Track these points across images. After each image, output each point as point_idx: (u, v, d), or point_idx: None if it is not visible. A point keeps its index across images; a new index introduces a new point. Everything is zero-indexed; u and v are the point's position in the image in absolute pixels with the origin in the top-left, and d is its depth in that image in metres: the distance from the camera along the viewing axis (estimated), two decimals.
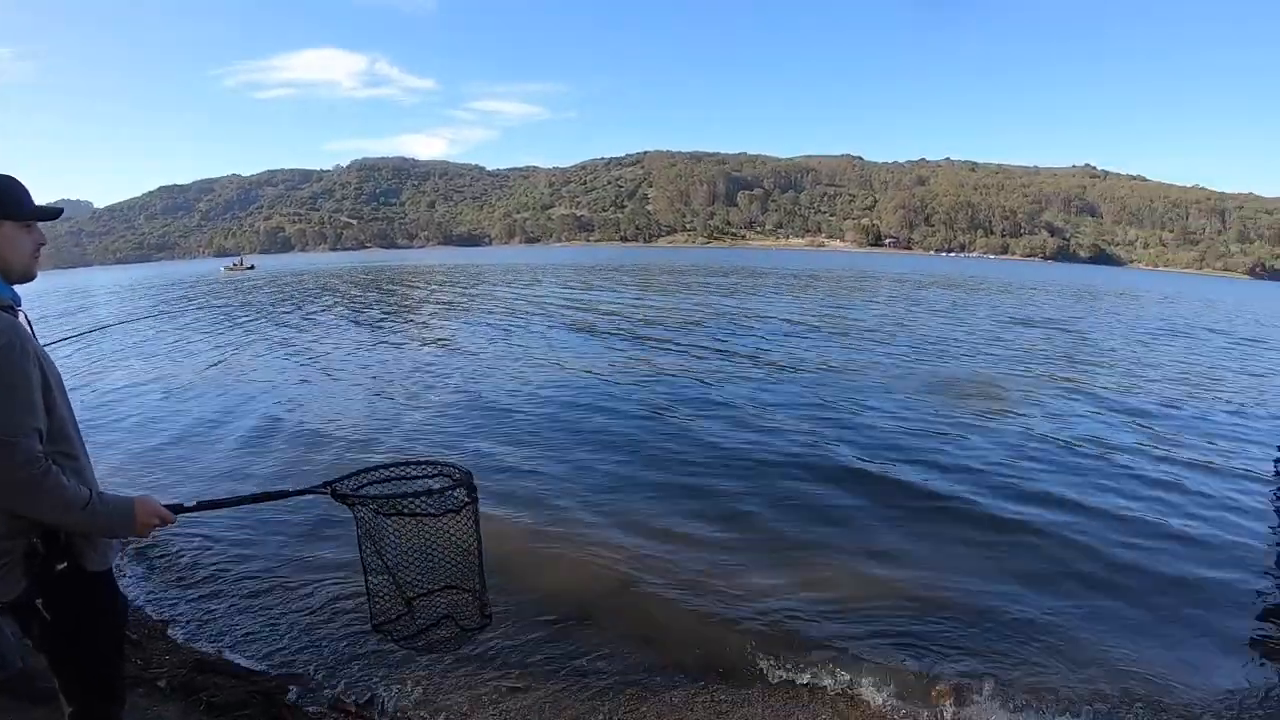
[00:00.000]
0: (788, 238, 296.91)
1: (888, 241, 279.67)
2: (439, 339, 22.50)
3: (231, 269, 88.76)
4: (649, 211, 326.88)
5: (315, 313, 31.95)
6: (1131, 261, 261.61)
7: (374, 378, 16.20)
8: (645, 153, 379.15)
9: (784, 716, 4.86)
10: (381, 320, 28.77)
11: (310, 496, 3.14)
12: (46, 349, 2.70)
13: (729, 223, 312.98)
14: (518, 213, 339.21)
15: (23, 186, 2.72)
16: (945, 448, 11.34)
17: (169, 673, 4.65)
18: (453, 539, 3.22)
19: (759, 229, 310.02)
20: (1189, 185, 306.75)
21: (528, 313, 30.03)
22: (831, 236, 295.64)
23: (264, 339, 23.33)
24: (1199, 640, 6.32)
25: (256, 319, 29.79)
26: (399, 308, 34.44)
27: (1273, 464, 11.86)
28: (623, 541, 7.61)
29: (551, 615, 5.94)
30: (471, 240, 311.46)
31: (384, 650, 5.21)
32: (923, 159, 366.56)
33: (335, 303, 37.10)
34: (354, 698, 4.66)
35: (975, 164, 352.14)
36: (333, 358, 19.16)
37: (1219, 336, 30.85)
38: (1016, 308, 40.42)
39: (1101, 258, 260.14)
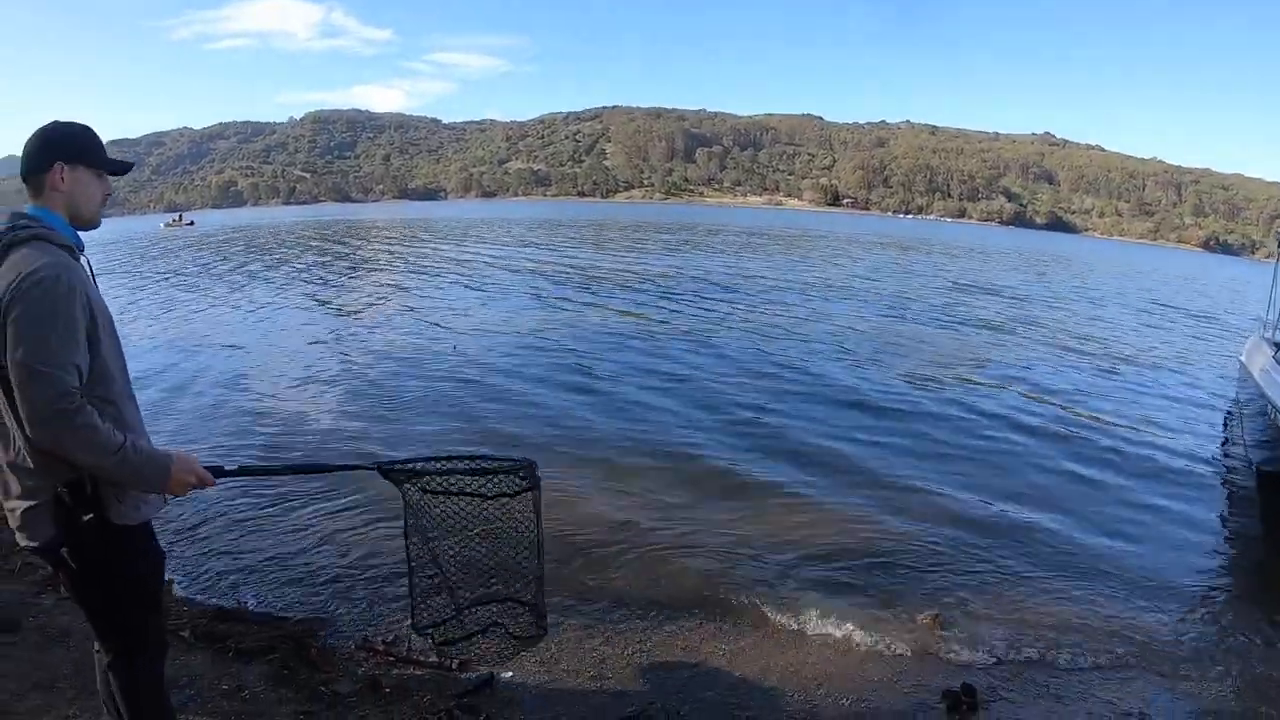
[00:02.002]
0: (746, 195, 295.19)
1: (846, 201, 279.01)
2: (386, 299, 22.44)
3: (171, 225, 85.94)
4: (607, 167, 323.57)
5: (258, 272, 30.80)
6: (1087, 230, 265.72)
7: (315, 343, 15.95)
8: (605, 108, 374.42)
9: (778, 652, 5.10)
10: (326, 282, 27.89)
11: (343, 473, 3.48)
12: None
13: (687, 179, 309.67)
14: (474, 167, 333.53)
15: (99, 138, 2.80)
16: (899, 401, 12.19)
17: (190, 623, 4.76)
18: (507, 531, 3.10)
19: (717, 186, 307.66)
20: (1147, 158, 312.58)
21: (481, 270, 30.15)
22: (790, 195, 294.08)
23: (188, 304, 22.51)
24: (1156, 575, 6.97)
25: (181, 281, 28.62)
26: (343, 270, 34.53)
27: (1224, 415, 13.30)
28: (603, 492, 7.93)
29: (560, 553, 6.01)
30: (427, 194, 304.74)
31: (404, 595, 5.07)
32: (883, 121, 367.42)
33: (279, 262, 35.82)
34: (381, 637, 4.83)
35: (935, 128, 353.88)
36: (274, 323, 18.60)
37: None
38: (967, 272, 41.94)
39: (1058, 225, 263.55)
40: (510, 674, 4.58)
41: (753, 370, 13.65)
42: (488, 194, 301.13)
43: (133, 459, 2.52)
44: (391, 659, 4.59)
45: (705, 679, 4.64)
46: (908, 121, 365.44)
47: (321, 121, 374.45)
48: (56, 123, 2.74)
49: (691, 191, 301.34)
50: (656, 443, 9.64)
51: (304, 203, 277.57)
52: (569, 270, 29.78)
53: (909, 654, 5.27)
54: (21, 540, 2.63)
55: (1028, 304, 27.74)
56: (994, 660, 5.32)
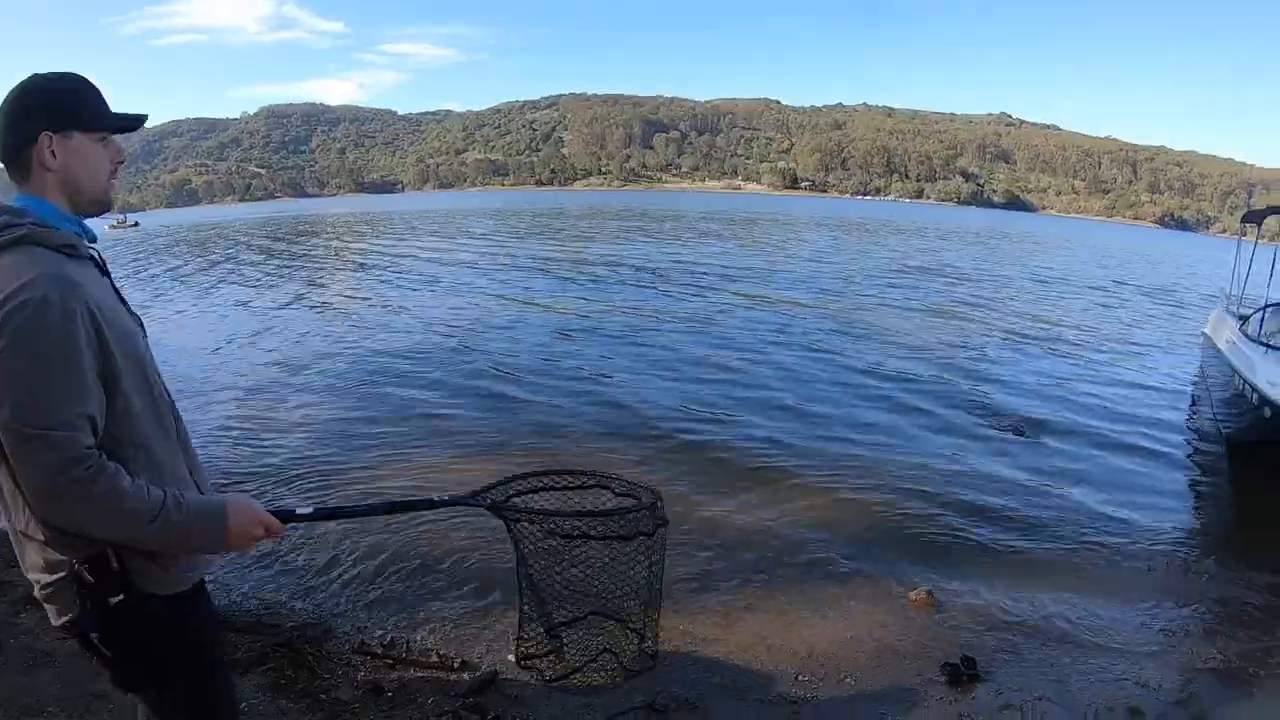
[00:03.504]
0: (704, 180, 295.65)
1: (804, 185, 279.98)
2: (339, 298, 21.74)
3: (115, 227, 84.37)
4: (564, 155, 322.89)
5: (189, 275, 29.61)
6: (1044, 208, 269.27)
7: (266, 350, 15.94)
8: (561, 96, 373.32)
9: (776, 635, 5.06)
10: (258, 282, 27.64)
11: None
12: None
13: (645, 166, 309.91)
14: (431, 158, 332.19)
15: (97, 89, 2.12)
16: (868, 384, 12.19)
17: None
18: (626, 567, 2.80)
19: (675, 172, 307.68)
20: (1102, 136, 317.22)
21: (429, 264, 29.88)
22: (748, 179, 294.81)
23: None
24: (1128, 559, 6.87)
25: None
26: (278, 269, 34.28)
27: (1190, 388, 13.40)
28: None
29: None
30: (384, 187, 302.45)
31: (395, 595, 5.40)
32: (840, 104, 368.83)
33: (212, 264, 34.48)
34: (378, 639, 4.72)
35: (892, 109, 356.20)
36: (193, 329, 18.35)
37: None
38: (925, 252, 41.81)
39: (1015, 204, 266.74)
40: (513, 658, 4.59)
41: (715, 356, 13.57)
42: (445, 185, 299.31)
43: (177, 521, 1.94)
44: (390, 661, 4.49)
45: (707, 665, 4.63)
46: (865, 104, 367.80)
47: (275, 116, 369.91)
48: (36, 77, 2.05)
49: (650, 178, 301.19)
50: (629, 430, 9.63)
51: (260, 199, 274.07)
52: (517, 261, 29.49)
53: (905, 630, 5.31)
54: (51, 618, 2.06)
55: (986, 282, 27.92)
56: (989, 630, 5.39)
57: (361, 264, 30.47)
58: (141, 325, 2.21)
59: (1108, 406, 11.97)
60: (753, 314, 18.11)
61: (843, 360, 13.56)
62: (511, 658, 3.20)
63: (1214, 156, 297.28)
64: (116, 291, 2.15)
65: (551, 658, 3.00)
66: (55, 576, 1.98)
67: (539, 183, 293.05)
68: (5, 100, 2.00)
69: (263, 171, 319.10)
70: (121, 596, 1.99)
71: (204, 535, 2.01)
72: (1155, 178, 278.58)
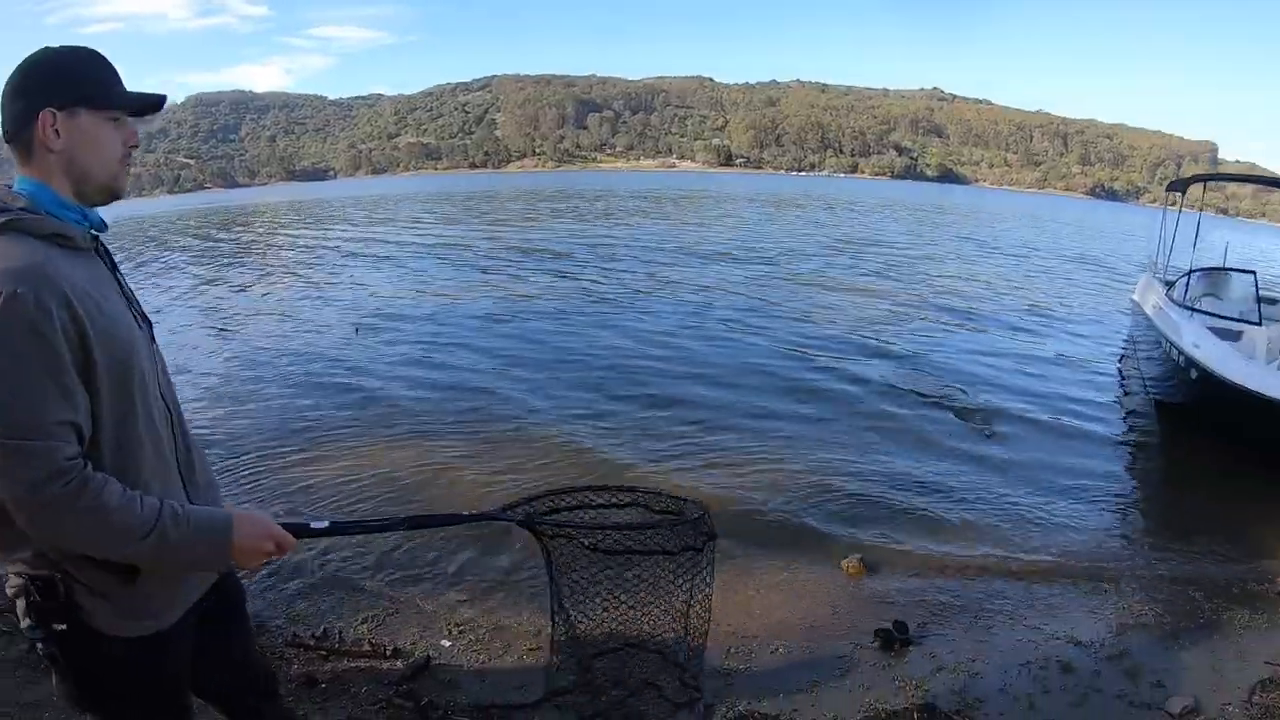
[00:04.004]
0: (639, 159, 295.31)
1: (739, 161, 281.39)
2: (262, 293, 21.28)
3: None
4: (498, 137, 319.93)
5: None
6: (977, 180, 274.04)
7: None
8: (493, 77, 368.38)
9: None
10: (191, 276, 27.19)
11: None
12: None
13: (579, 146, 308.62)
14: (363, 143, 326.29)
15: (109, 64, 1.92)
16: (798, 361, 12.16)
17: None
18: (667, 590, 2.59)
19: (610, 151, 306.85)
20: (1033, 110, 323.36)
21: (365, 250, 29.38)
22: (683, 157, 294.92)
23: None
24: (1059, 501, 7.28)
25: None
26: (211, 262, 33.07)
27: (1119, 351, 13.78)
28: (519, 465, 7.74)
29: (481, 530, 5.91)
30: (316, 174, 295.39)
31: (326, 585, 5.30)
32: (773, 80, 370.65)
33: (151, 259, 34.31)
34: (310, 631, 4.63)
35: (826, 85, 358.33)
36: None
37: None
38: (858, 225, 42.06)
39: (949, 177, 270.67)
40: (448, 642, 4.55)
41: (638, 336, 13.45)
42: (378, 171, 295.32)
43: (174, 535, 1.77)
44: (323, 652, 4.41)
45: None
46: (798, 80, 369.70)
47: (203, 105, 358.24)
48: (43, 50, 1.86)
49: (584, 158, 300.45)
50: (546, 411, 9.51)
51: (190, 190, 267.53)
52: (443, 247, 28.76)
53: (838, 599, 5.35)
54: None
55: (917, 255, 28.19)
56: (922, 596, 5.46)
57: (288, 255, 29.54)
58: (148, 326, 2.05)
59: (1038, 375, 12.13)
60: (676, 293, 17.93)
61: (769, 338, 13.48)
62: (542, 695, 3.11)
63: (1143, 129, 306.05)
64: (122, 288, 1.98)
65: (584, 692, 2.89)
66: (13, 582, 1.83)
67: (472, 165, 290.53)
68: (9, 76, 1.83)
69: (191, 162, 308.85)
70: (64, 626, 1.84)
71: (208, 550, 1.85)
72: (1086, 150, 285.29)
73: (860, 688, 4.19)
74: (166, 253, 30.03)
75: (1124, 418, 10.45)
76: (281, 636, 4.62)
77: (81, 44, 1.87)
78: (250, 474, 7.38)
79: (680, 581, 2.61)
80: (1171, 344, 9.47)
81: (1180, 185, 13.76)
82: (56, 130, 1.80)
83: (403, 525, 2.46)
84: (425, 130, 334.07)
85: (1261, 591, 5.81)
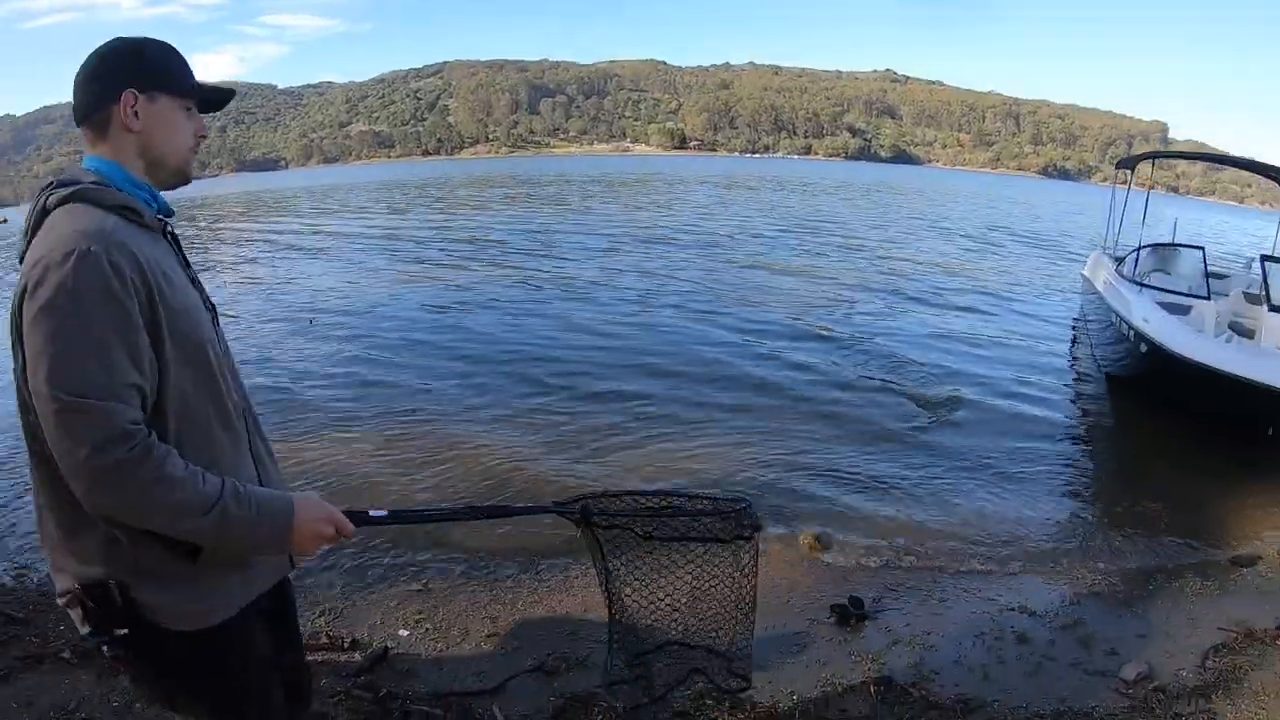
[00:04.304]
0: (593, 143, 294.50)
1: (693, 144, 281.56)
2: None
3: None
4: (451, 124, 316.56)
5: None
6: (930, 161, 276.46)
7: None
8: (445, 63, 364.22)
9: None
10: None
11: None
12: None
13: (533, 131, 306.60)
14: (314, 132, 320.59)
15: (183, 57, 1.96)
16: (752, 341, 12.12)
17: (69, 641, 4.28)
18: (717, 581, 2.59)
19: (563, 136, 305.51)
20: (985, 91, 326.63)
21: (319, 241, 28.77)
22: (637, 141, 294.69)
23: None
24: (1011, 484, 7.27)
25: None
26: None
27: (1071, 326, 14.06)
28: (477, 448, 7.73)
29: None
30: (267, 164, 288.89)
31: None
32: (727, 63, 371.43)
33: None
34: None
35: (779, 68, 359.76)
36: None
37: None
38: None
39: (902, 157, 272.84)
40: (406, 632, 4.53)
41: (590, 321, 13.37)
42: (330, 160, 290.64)
43: (237, 514, 1.71)
44: None
45: (598, 624, 4.43)
46: (751, 63, 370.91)
47: None
48: (123, 37, 1.89)
49: (538, 143, 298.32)
50: (497, 395, 9.47)
51: None
52: (392, 236, 28.31)
53: (794, 575, 5.40)
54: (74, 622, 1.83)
55: (870, 235, 28.30)
56: (877, 572, 5.53)
57: (231, 250, 28.58)
58: (213, 310, 2.03)
59: (990, 353, 12.24)
60: (623, 279, 17.72)
61: (717, 324, 13.32)
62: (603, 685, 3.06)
63: (1095, 109, 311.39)
64: (189, 274, 1.96)
65: (641, 683, 2.88)
66: (66, 585, 1.77)
67: (425, 153, 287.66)
68: (87, 59, 1.84)
69: None
70: (126, 630, 1.77)
71: (269, 532, 1.78)
72: (1038, 130, 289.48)
73: (817, 663, 4.21)
74: None
75: (1076, 393, 10.60)
76: None
77: (151, 36, 1.91)
78: None
79: (729, 570, 2.63)
80: (1122, 319, 9.66)
81: (1129, 163, 13.96)
82: (136, 112, 1.81)
83: (461, 515, 2.55)
84: (377, 118, 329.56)
85: (1213, 559, 5.93)
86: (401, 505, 6.10)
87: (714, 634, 2.76)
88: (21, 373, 1.61)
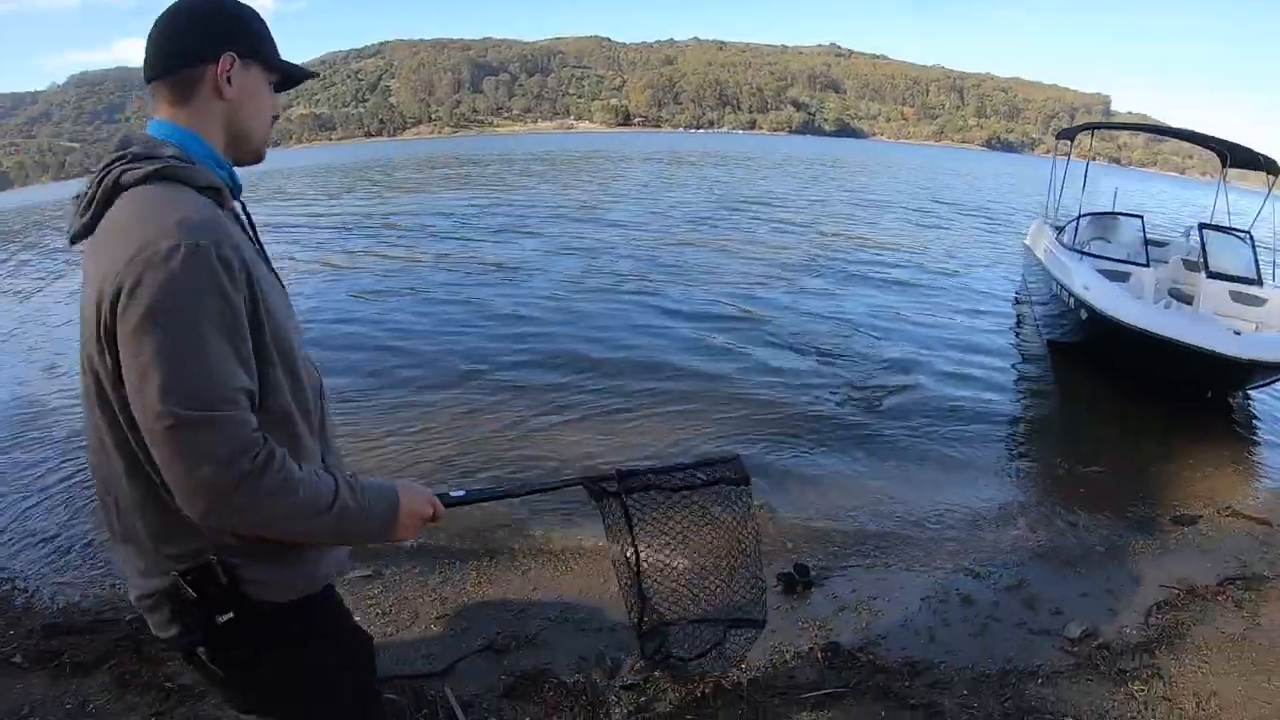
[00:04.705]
0: (536, 121, 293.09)
1: (637, 120, 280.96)
2: None
3: None
4: (393, 104, 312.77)
5: None
6: (875, 134, 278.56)
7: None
8: (386, 42, 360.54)
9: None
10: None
11: None
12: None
13: (476, 110, 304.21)
14: None
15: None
16: (693, 317, 12.02)
17: (19, 647, 4.26)
18: (728, 537, 2.89)
19: (507, 115, 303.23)
20: (929, 65, 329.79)
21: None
22: (581, 118, 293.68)
23: None
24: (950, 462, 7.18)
25: None
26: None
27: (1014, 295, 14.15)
28: (415, 431, 7.65)
29: None
30: None
31: None
32: (671, 39, 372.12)
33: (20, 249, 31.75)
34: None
35: (723, 43, 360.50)
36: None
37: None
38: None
39: (846, 131, 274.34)
40: (356, 617, 4.39)
41: (523, 301, 13.07)
42: (270, 144, 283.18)
43: (352, 507, 1.63)
44: None
45: (547, 603, 4.61)
46: (695, 38, 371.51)
47: (87, 84, 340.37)
48: None
49: (481, 122, 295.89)
50: (432, 379, 9.27)
51: (77, 175, 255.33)
52: (326, 221, 26.97)
53: None
54: (153, 629, 1.71)
55: (812, 209, 28.30)
56: (823, 539, 5.56)
57: None
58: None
59: (934, 322, 12.37)
60: (563, 256, 17.50)
61: (652, 302, 13.05)
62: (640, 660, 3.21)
63: (1039, 83, 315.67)
64: (262, 251, 1.76)
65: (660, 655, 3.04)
66: (152, 586, 1.62)
67: (367, 134, 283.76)
68: (170, 14, 1.64)
69: (76, 146, 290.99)
70: (231, 615, 1.62)
71: (379, 521, 1.70)
72: (982, 103, 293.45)
73: (766, 632, 4.12)
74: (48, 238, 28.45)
75: (1018, 360, 10.71)
76: None
77: None
78: None
79: (740, 522, 2.88)
80: (1062, 286, 9.85)
81: (1070, 133, 14.14)
82: (230, 78, 1.65)
83: (522, 493, 2.63)
84: (318, 100, 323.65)
85: (1154, 518, 6.08)
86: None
87: (733, 591, 3.01)
88: (111, 377, 1.46)
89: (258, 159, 1.84)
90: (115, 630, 4.36)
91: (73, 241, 1.56)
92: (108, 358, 1.44)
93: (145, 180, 1.49)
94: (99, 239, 1.49)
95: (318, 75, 2.16)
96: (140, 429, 1.43)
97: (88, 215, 1.51)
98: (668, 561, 2.85)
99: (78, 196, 1.56)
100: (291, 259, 18.02)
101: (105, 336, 1.43)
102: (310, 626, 1.81)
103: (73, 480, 6.69)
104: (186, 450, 1.39)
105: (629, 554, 2.82)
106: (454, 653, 3.99)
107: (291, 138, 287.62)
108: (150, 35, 1.64)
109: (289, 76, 1.86)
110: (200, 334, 1.39)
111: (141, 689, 3.78)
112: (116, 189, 1.49)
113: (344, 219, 26.53)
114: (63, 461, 7.09)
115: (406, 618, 4.49)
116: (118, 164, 1.51)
